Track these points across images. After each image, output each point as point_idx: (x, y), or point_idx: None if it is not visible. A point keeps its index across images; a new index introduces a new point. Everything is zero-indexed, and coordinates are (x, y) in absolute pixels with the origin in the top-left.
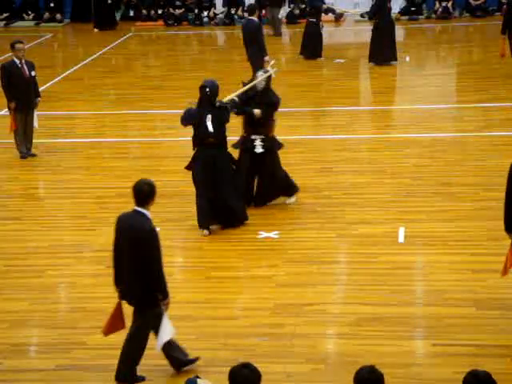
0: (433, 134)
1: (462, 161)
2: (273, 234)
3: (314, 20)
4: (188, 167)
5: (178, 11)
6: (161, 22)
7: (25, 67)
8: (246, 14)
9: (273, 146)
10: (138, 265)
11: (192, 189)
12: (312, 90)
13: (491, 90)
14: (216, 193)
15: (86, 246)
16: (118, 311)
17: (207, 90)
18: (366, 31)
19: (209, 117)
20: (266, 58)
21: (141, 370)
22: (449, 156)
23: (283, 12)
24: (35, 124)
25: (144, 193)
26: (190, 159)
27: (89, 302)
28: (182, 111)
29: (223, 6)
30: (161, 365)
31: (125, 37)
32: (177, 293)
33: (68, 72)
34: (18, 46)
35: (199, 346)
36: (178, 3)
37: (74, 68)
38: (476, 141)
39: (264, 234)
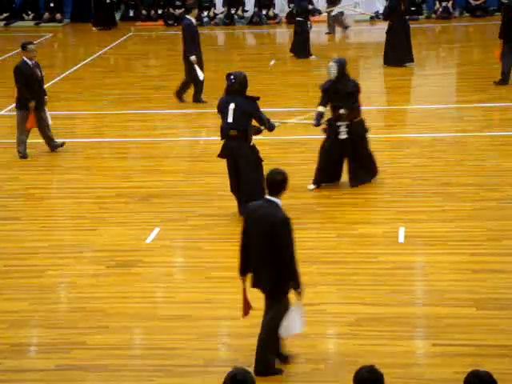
0: (433, 134)
1: (461, 161)
2: None
3: (302, 19)
4: (220, 155)
5: (177, 11)
6: (161, 22)
7: (35, 68)
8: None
9: (357, 131)
10: (271, 253)
11: (192, 188)
12: (312, 90)
13: (491, 90)
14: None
15: (85, 246)
16: (245, 297)
17: (232, 77)
18: (365, 31)
19: (231, 106)
20: (192, 58)
21: (141, 370)
22: (449, 156)
23: (337, 10)
24: (50, 122)
25: (277, 182)
26: (190, 158)
27: (89, 301)
28: (181, 111)
29: (223, 6)
30: (161, 365)
31: (125, 37)
32: (177, 293)
33: (68, 72)
34: (29, 47)
35: (199, 346)
36: (178, 3)
37: (74, 68)
38: (476, 141)
39: None
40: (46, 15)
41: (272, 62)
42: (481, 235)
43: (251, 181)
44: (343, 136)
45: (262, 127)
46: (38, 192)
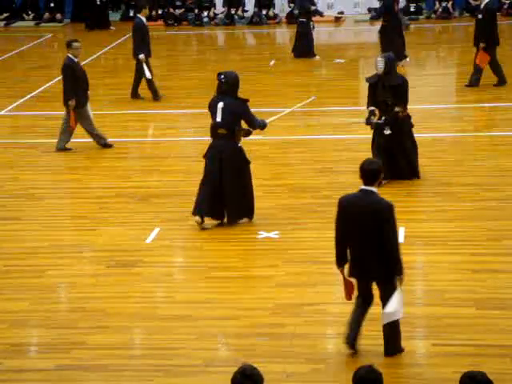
0: (433, 134)
1: (461, 161)
2: (273, 234)
3: (304, 20)
4: (204, 156)
5: (177, 11)
6: (161, 22)
7: (80, 64)
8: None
9: (402, 126)
10: (378, 241)
11: (192, 188)
12: (312, 89)
13: (491, 90)
14: (220, 187)
15: (85, 246)
16: (346, 281)
17: (222, 76)
18: (366, 31)
19: (220, 105)
20: (141, 57)
21: (141, 370)
22: (449, 156)
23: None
24: (91, 116)
25: (373, 171)
26: (190, 158)
27: (89, 302)
28: (181, 111)
29: (223, 6)
30: (161, 365)
31: (125, 37)
32: (177, 293)
33: None
34: (75, 44)
35: (199, 345)
36: (178, 3)
37: None
38: (476, 141)
39: (264, 234)
40: (46, 15)
41: (272, 62)
42: (481, 235)
43: (235, 192)
44: (387, 131)
45: (251, 129)
46: (38, 192)
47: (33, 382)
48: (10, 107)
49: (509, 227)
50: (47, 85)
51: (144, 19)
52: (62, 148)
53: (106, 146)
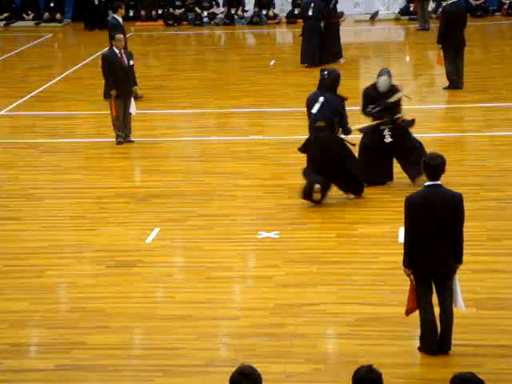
0: (433, 133)
1: (461, 161)
2: (273, 234)
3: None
4: (302, 149)
5: (177, 11)
6: (161, 22)
7: (124, 57)
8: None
9: (401, 131)
10: (452, 233)
11: (192, 188)
12: (312, 89)
13: (491, 90)
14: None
15: (86, 246)
16: (413, 293)
17: (325, 72)
18: (365, 31)
19: (321, 99)
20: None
21: (141, 370)
22: (449, 156)
23: (432, 5)
24: (131, 110)
25: (438, 166)
26: (190, 158)
27: (89, 302)
28: (181, 111)
29: (223, 6)
30: (161, 365)
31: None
32: (177, 293)
33: (68, 72)
34: (118, 36)
35: (199, 345)
36: (178, 3)
37: (74, 68)
38: (476, 141)
39: (264, 234)
40: (46, 15)
41: (272, 62)
42: (481, 235)
43: (350, 166)
44: (388, 139)
45: (341, 128)
46: (38, 192)
47: (33, 382)
48: (10, 107)
49: (509, 227)
50: (47, 85)
51: (120, 19)
52: (121, 142)
53: (123, 142)
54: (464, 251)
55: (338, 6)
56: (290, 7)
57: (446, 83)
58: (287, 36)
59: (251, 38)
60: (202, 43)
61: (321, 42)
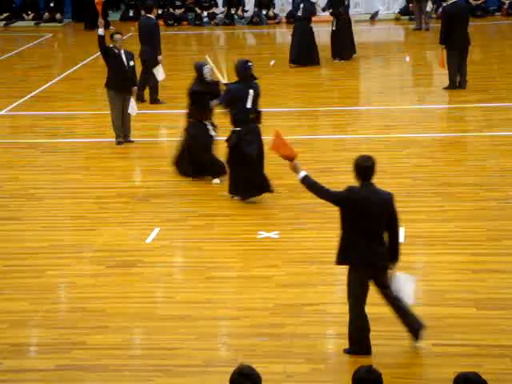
0: (433, 133)
1: (461, 161)
2: (273, 234)
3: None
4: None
5: (177, 11)
6: (161, 22)
7: (123, 57)
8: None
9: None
10: (389, 230)
11: (192, 188)
12: (312, 89)
13: (491, 90)
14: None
15: (86, 246)
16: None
17: (250, 64)
18: (366, 31)
19: (250, 92)
20: (160, 58)
21: (141, 370)
22: (449, 156)
23: (431, 5)
24: (130, 111)
25: (370, 168)
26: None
27: (89, 302)
28: (181, 111)
29: (223, 6)
30: (161, 365)
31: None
32: (177, 293)
33: (68, 72)
34: (115, 36)
35: (199, 346)
36: (178, 3)
37: (74, 68)
38: (476, 141)
39: (264, 234)
40: (46, 15)
41: (272, 62)
42: (481, 235)
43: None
44: (212, 133)
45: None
46: (38, 192)
47: (33, 382)
48: (10, 107)
49: (509, 227)
50: (47, 85)
51: (154, 18)
52: (121, 142)
53: (120, 143)
54: (464, 251)
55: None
56: (289, 7)
57: (443, 84)
58: (287, 36)
59: (251, 38)
60: (201, 43)
61: (310, 43)
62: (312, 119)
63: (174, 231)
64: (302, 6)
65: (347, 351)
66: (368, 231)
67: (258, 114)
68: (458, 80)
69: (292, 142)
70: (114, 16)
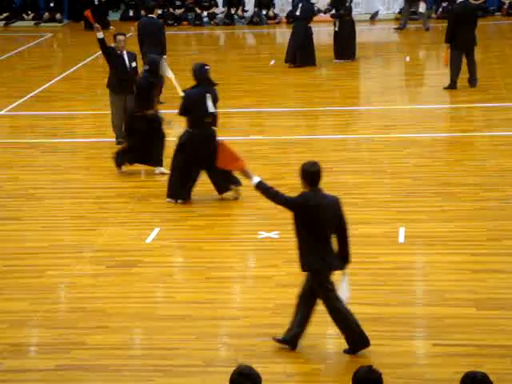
0: (433, 133)
1: (462, 161)
2: (273, 234)
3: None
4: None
5: (177, 11)
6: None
7: (125, 58)
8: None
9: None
10: (339, 234)
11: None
12: (312, 89)
13: (491, 90)
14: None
15: (86, 246)
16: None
17: (207, 67)
18: (366, 31)
19: (208, 96)
20: (164, 57)
21: (141, 370)
22: (449, 156)
23: (423, 5)
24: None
25: (317, 173)
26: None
27: (89, 301)
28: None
29: (223, 6)
30: (161, 365)
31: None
32: (177, 293)
33: (68, 72)
34: (118, 37)
35: (199, 346)
36: (178, 3)
37: (74, 68)
38: (476, 141)
39: (264, 234)
40: (46, 15)
41: (272, 62)
42: (481, 235)
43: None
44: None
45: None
46: (38, 192)
47: (33, 382)
48: (10, 107)
49: (509, 227)
50: (47, 85)
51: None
52: (121, 142)
53: (121, 143)
54: (464, 251)
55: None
56: (289, 7)
57: (446, 83)
58: (287, 36)
59: (251, 38)
60: (202, 43)
61: (307, 44)
62: (312, 119)
63: (174, 231)
64: (300, 5)
65: (347, 351)
66: (323, 236)
67: (214, 117)
68: (458, 80)
69: (292, 142)
70: (114, 16)
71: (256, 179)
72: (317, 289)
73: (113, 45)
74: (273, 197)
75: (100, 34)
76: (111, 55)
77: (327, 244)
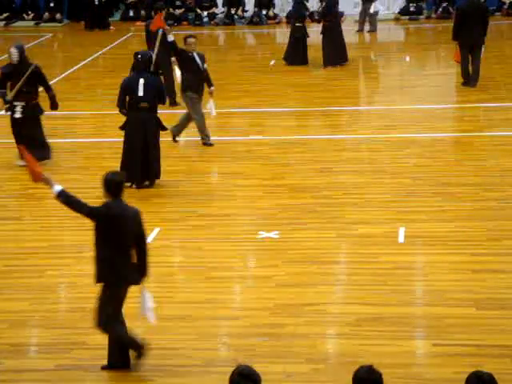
0: (433, 133)
1: (461, 161)
2: (273, 234)
3: (301, 24)
4: (122, 127)
5: (178, 11)
6: None
7: (197, 59)
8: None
9: (34, 112)
10: (138, 245)
11: (192, 188)
12: (312, 90)
13: (491, 90)
14: (144, 154)
15: (86, 246)
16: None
17: (139, 56)
18: (365, 31)
19: (141, 81)
20: (173, 59)
21: (141, 370)
22: (449, 156)
23: (375, 6)
24: (211, 112)
25: (121, 183)
26: (190, 158)
27: (89, 302)
28: (182, 111)
29: (223, 6)
30: (161, 365)
31: (125, 37)
32: (177, 293)
33: (68, 72)
34: (189, 40)
35: (199, 346)
36: (178, 3)
37: (74, 68)
38: (476, 141)
39: (264, 234)
40: (46, 15)
41: (272, 62)
42: (481, 235)
43: (157, 157)
44: (18, 115)
45: (163, 102)
46: (38, 192)
47: (33, 382)
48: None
49: (509, 227)
50: None
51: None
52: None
53: (207, 144)
54: (464, 251)
55: (337, 6)
56: (289, 7)
57: (446, 83)
58: (287, 36)
59: (251, 38)
60: (202, 43)
61: (297, 44)
62: (312, 119)
63: (174, 231)
64: (292, 5)
65: (104, 367)
66: (123, 247)
67: (154, 104)
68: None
69: (292, 142)
70: (114, 16)
71: (58, 188)
72: (105, 300)
73: (184, 47)
74: (75, 206)
75: (170, 37)
76: (183, 57)
77: (126, 256)
